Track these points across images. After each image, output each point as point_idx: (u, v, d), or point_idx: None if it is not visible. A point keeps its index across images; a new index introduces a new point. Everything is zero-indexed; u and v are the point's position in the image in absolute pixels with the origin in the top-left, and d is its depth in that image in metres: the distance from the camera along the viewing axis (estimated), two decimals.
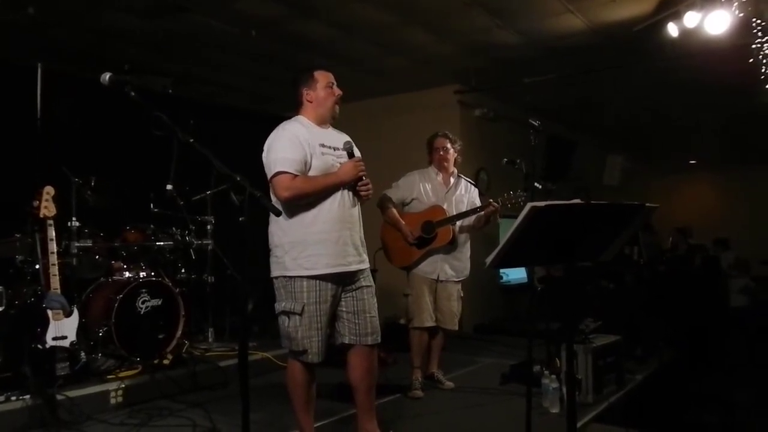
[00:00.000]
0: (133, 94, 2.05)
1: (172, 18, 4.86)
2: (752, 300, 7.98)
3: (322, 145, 2.89)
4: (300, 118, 2.98)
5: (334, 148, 2.95)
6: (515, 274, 7.61)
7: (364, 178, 2.89)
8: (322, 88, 2.96)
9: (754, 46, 4.80)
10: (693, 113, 8.52)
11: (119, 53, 5.62)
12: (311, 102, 2.97)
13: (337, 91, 2.99)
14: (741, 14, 4.42)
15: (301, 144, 2.81)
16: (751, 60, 4.96)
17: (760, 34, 4.67)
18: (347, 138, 3.03)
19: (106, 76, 2.07)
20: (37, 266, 3.97)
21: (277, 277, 2.87)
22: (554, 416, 3.63)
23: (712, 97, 7.49)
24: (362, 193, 2.93)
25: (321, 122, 2.98)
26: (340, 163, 2.91)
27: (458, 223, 4.18)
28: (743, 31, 4.66)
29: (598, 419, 3.67)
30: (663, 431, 3.49)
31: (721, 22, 4.46)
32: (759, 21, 4.55)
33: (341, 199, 2.88)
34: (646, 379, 4.60)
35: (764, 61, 4.99)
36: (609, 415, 3.73)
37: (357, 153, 2.97)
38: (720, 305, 7.17)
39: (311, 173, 2.83)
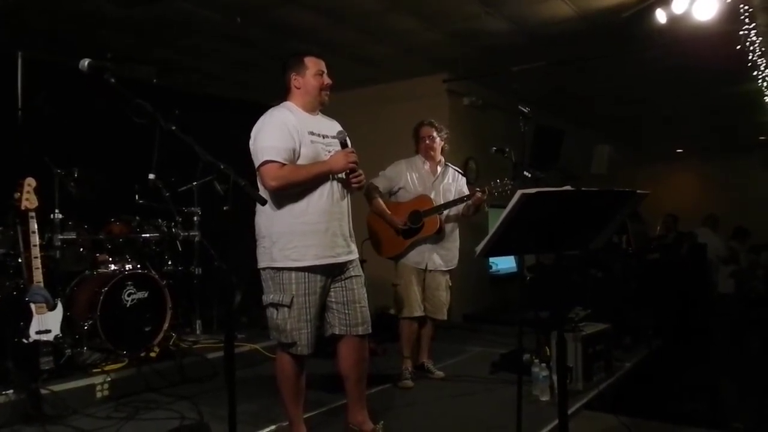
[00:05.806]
0: (112, 80, 1.99)
1: (157, 5, 4.78)
2: (740, 286, 8.04)
3: (311, 133, 2.82)
4: (288, 104, 2.90)
5: (324, 136, 2.87)
6: (504, 264, 7.62)
7: (356, 169, 2.82)
8: (312, 75, 2.87)
9: (741, 32, 4.81)
10: (680, 102, 8.54)
11: (102, 41, 5.54)
12: (299, 88, 2.89)
13: (327, 81, 2.91)
14: (729, 0, 4.42)
15: (289, 132, 2.74)
16: (738, 47, 4.97)
17: (747, 20, 4.68)
18: (338, 125, 2.96)
19: (85, 62, 2.01)
20: (20, 259, 3.90)
21: (264, 269, 2.82)
22: (544, 404, 3.64)
23: (699, 85, 7.52)
24: (354, 185, 2.88)
25: (309, 109, 2.90)
26: (329, 152, 2.84)
27: (445, 212, 4.16)
28: (731, 18, 4.66)
29: (588, 406, 3.69)
30: (652, 418, 3.50)
31: (709, 8, 4.46)
32: (746, 7, 4.56)
33: (330, 189, 2.81)
34: (634, 367, 4.63)
35: (751, 47, 5.01)
36: (598, 402, 3.75)
37: (349, 144, 2.90)
38: (707, 293, 7.22)
39: (300, 162, 2.75)
